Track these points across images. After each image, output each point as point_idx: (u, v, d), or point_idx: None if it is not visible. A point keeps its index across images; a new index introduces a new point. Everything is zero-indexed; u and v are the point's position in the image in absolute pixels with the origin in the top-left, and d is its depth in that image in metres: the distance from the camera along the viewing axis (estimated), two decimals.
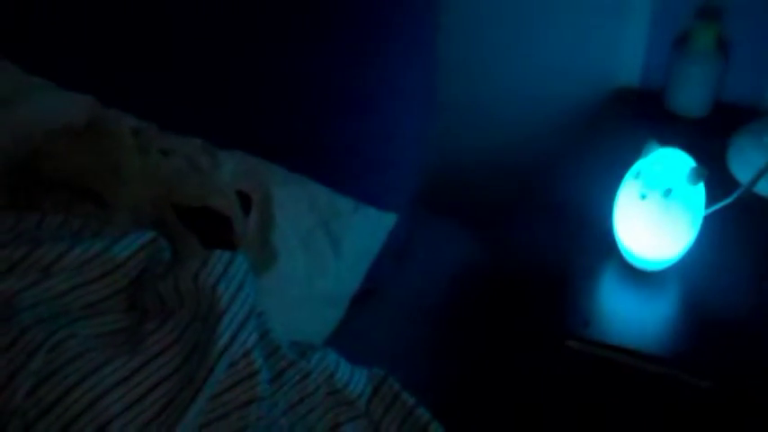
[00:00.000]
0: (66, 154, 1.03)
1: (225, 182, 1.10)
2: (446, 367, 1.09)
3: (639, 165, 0.93)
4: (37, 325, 0.83)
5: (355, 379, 0.98)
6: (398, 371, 1.00)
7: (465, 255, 1.18)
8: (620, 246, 0.97)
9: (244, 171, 1.14)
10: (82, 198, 1.01)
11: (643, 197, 0.91)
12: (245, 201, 1.11)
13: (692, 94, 1.16)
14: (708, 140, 1.12)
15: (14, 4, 1.26)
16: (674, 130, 1.14)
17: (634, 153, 0.94)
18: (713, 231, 0.99)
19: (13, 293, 0.87)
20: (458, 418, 0.98)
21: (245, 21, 1.18)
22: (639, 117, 1.18)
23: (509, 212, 1.15)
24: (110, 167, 1.03)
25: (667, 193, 0.90)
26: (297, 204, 1.14)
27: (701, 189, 0.92)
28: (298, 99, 1.19)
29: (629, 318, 0.94)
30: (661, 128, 1.11)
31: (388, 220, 1.17)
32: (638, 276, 0.97)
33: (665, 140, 0.94)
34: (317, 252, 1.12)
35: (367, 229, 1.16)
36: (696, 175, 0.90)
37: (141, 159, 1.06)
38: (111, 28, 1.24)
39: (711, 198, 0.96)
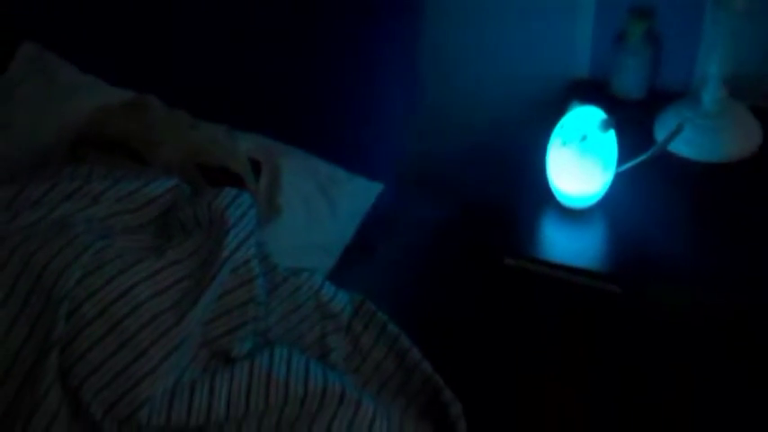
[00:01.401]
0: (114, 121, 1.29)
1: (240, 151, 1.35)
2: (420, 299, 1.30)
3: (564, 120, 1.15)
4: (87, 233, 1.08)
5: (338, 297, 1.20)
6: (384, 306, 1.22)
7: (440, 214, 1.41)
8: (552, 187, 1.19)
9: (256, 146, 1.40)
10: (125, 158, 1.27)
11: (564, 144, 1.13)
12: (256, 167, 1.36)
13: (630, 80, 1.38)
14: (643, 117, 1.35)
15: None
16: (616, 110, 1.36)
17: None
18: (636, 181, 1.21)
19: (71, 213, 1.12)
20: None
21: (245, 27, 1.44)
22: (589, 101, 1.40)
23: (479, 177, 1.38)
24: (149, 133, 1.29)
25: (583, 138, 1.12)
26: (300, 172, 1.38)
27: (611, 136, 1.14)
28: (299, 92, 1.45)
29: (557, 242, 1.16)
30: (606, 109, 1.34)
31: (375, 188, 1.41)
32: (566, 212, 1.19)
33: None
34: (316, 210, 1.37)
35: (358, 195, 1.40)
36: (605, 125, 1.13)
37: (173, 129, 1.31)
38: (138, 44, 1.51)
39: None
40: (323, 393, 1.06)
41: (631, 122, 1.30)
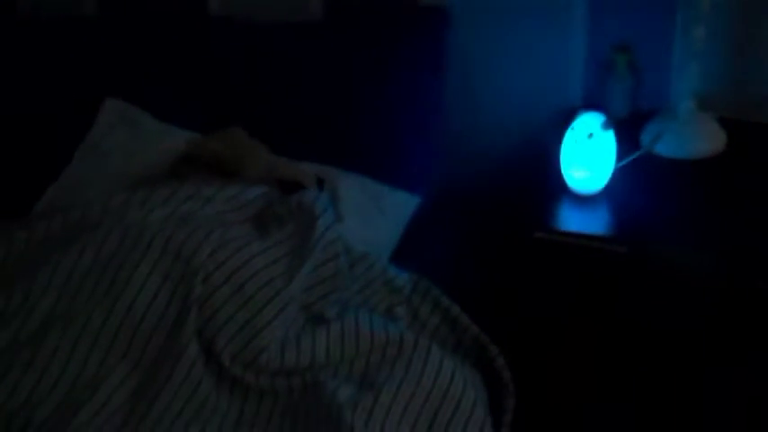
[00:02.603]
0: (208, 146, 1.59)
1: (307, 170, 1.66)
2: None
3: (574, 123, 1.48)
4: (208, 223, 1.37)
5: (401, 275, 1.48)
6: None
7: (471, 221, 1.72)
8: (567, 178, 1.51)
9: (320, 168, 1.70)
10: (218, 174, 1.58)
11: (575, 141, 1.46)
12: (319, 183, 1.66)
13: (616, 102, 1.72)
14: (628, 130, 1.68)
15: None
16: None
17: None
18: (630, 175, 1.54)
19: (192, 211, 1.41)
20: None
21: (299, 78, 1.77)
22: None
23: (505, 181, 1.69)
24: (236, 155, 1.59)
25: (590, 136, 1.45)
26: (353, 188, 1.68)
27: (611, 134, 1.47)
28: (349, 129, 1.76)
29: (574, 219, 1.49)
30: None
31: (414, 201, 1.71)
32: (578, 197, 1.51)
33: None
34: (369, 218, 1.66)
35: (401, 206, 1.70)
36: (606, 125, 1.46)
37: (254, 152, 1.62)
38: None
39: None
40: (401, 341, 1.33)
41: (621, 135, 1.63)
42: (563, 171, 1.51)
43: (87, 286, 1.31)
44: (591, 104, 1.55)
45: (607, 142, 1.47)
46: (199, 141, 1.62)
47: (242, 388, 1.29)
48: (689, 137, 1.60)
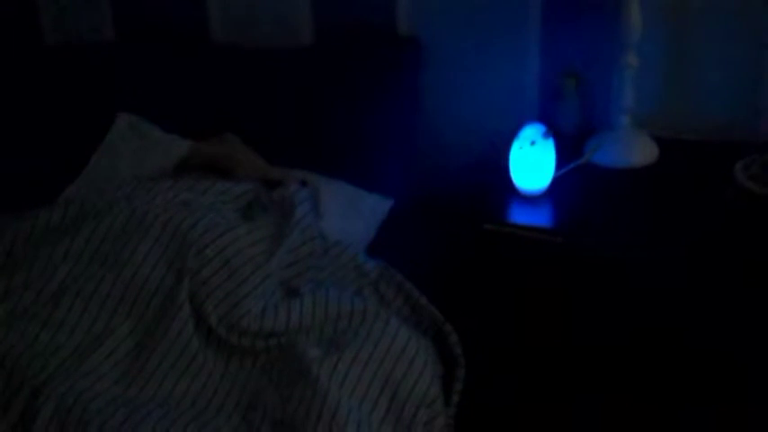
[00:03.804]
0: (205, 150, 1.84)
1: (293, 174, 1.90)
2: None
3: (522, 132, 1.72)
4: (202, 209, 1.61)
5: (369, 262, 1.70)
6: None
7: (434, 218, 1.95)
8: (514, 179, 1.75)
9: (304, 173, 1.94)
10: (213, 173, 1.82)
11: (520, 147, 1.70)
12: (303, 185, 1.90)
13: (566, 120, 1.96)
14: (575, 144, 1.92)
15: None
16: (558, 141, 1.93)
17: None
18: (572, 180, 1.77)
19: (190, 199, 1.65)
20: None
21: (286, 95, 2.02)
22: None
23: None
24: (229, 157, 1.83)
25: (532, 143, 1.69)
26: (333, 190, 1.89)
27: (550, 142, 1.71)
28: (328, 138, 2.01)
29: (519, 214, 1.72)
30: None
31: (387, 203, 1.94)
32: (524, 197, 1.75)
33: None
34: (347, 216, 1.88)
35: (376, 207, 1.93)
36: (546, 134, 1.70)
37: (246, 156, 1.86)
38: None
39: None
40: (364, 311, 1.55)
41: (568, 148, 1.87)
42: (511, 174, 1.74)
43: (98, 257, 1.54)
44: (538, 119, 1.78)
45: (547, 149, 1.70)
46: (198, 146, 1.86)
47: (226, 347, 1.50)
48: (623, 149, 1.83)
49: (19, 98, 2.14)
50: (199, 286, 1.52)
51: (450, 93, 2.05)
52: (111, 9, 2.20)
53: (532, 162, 1.70)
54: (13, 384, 1.39)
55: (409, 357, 1.49)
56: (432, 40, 2.02)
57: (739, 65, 1.88)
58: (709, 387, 1.61)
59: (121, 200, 1.63)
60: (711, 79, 1.90)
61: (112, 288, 1.51)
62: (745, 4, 1.83)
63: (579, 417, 1.66)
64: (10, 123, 2.10)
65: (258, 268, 1.55)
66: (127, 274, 1.52)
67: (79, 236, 1.56)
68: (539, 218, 1.71)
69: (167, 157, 1.88)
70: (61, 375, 1.41)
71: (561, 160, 1.77)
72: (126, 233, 1.56)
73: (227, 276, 1.53)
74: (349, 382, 1.44)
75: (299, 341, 1.49)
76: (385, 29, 2.04)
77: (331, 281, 1.64)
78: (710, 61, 1.89)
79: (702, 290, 1.58)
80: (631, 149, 1.84)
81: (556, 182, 1.76)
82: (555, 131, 1.85)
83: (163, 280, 1.52)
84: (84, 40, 2.27)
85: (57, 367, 1.43)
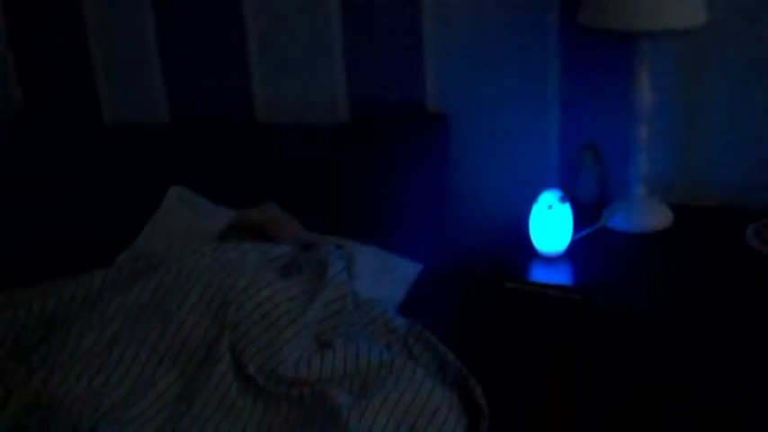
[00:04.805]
0: (249, 217, 1.99)
1: (330, 239, 2.04)
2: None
3: (541, 198, 1.85)
4: (244, 268, 1.75)
5: (398, 318, 1.82)
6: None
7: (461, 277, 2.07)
8: (533, 240, 1.86)
9: (339, 239, 2.08)
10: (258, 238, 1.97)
11: (539, 212, 1.82)
12: (338, 248, 2.03)
13: (586, 189, 2.08)
14: (595, 210, 2.03)
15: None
16: (578, 210, 2.04)
17: None
18: (590, 243, 1.88)
19: (233, 258, 1.79)
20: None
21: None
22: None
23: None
24: (272, 224, 1.98)
25: (549, 207, 1.81)
26: (366, 254, 2.03)
27: (567, 207, 1.83)
28: (362, 210, 2.15)
29: (538, 273, 1.82)
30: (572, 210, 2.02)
31: (417, 267, 2.07)
32: (543, 258, 1.86)
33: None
34: (379, 278, 2.01)
35: (407, 270, 2.06)
36: (563, 199, 1.82)
37: (286, 222, 2.01)
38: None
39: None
40: (392, 363, 1.66)
41: (588, 214, 1.98)
42: (531, 236, 1.86)
43: (148, 310, 1.68)
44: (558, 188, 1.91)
45: (564, 212, 1.83)
46: (241, 213, 2.02)
47: (263, 394, 1.61)
48: (638, 215, 1.94)
49: (80, 173, 2.32)
50: (239, 338, 1.64)
51: (475, 165, 2.19)
52: (165, 91, 2.39)
53: (551, 225, 1.82)
54: (69, 424, 1.52)
55: (434, 407, 1.59)
56: (459, 115, 2.17)
57: (747, 135, 1.99)
58: None
59: (171, 259, 1.78)
60: (722, 149, 2.01)
61: (160, 339, 1.64)
62: (753, 75, 1.95)
63: None
64: (71, 196, 2.28)
65: (294, 321, 1.67)
66: (173, 327, 1.65)
67: (132, 291, 1.70)
68: (557, 277, 1.82)
69: (214, 224, 2.03)
70: (111, 418, 1.53)
71: (580, 225, 1.89)
72: (174, 289, 1.70)
73: (265, 329, 1.65)
74: (376, 427, 1.53)
75: (331, 390, 1.60)
76: (415, 106, 2.20)
77: (362, 335, 1.75)
78: (721, 133, 2.01)
79: (710, 347, 1.67)
80: (646, 215, 1.95)
81: (575, 245, 1.87)
82: (575, 200, 1.97)
83: (206, 332, 1.65)
84: (141, 122, 2.47)
85: (108, 410, 1.55)
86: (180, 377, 1.62)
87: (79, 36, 2.39)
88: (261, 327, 1.65)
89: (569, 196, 1.87)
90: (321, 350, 1.66)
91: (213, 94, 2.36)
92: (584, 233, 1.89)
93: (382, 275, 1.99)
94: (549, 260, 1.87)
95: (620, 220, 1.94)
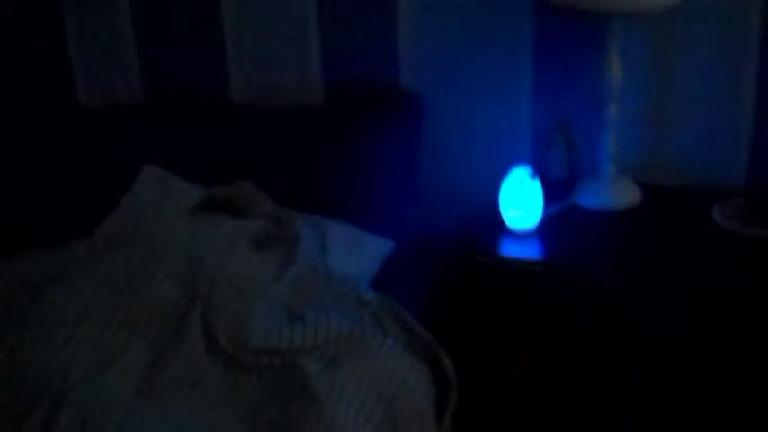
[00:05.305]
0: (222, 193, 2.00)
1: (303, 216, 2.05)
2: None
3: (509, 175, 1.87)
4: (215, 241, 1.76)
5: (369, 292, 1.84)
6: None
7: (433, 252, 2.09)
8: (505, 218, 1.89)
9: (310, 216, 2.09)
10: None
11: (509, 188, 1.84)
12: None
13: (557, 167, 2.11)
14: (565, 189, 2.06)
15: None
16: (549, 187, 2.06)
17: None
18: (559, 220, 1.91)
19: (204, 233, 1.80)
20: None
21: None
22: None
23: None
24: (244, 200, 1.99)
25: (520, 183, 1.84)
26: (339, 231, 2.04)
27: (537, 183, 1.85)
28: (336, 187, 2.16)
29: (508, 248, 1.85)
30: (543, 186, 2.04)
31: (389, 243, 2.08)
32: (514, 234, 1.89)
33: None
34: (350, 253, 2.02)
35: (378, 246, 2.07)
36: (533, 175, 1.84)
37: (258, 198, 2.02)
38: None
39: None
40: (362, 333, 1.68)
41: (558, 192, 2.01)
42: (502, 212, 1.88)
43: (119, 282, 1.69)
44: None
45: (534, 188, 1.85)
46: (214, 189, 2.03)
47: (234, 364, 1.62)
48: (607, 193, 1.97)
49: (56, 154, 2.32)
50: (210, 309, 1.65)
51: (448, 144, 2.21)
52: (139, 72, 2.39)
53: (521, 202, 1.84)
54: (35, 393, 1.52)
55: (402, 376, 1.61)
56: (432, 94, 2.19)
57: (716, 116, 2.02)
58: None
59: (143, 232, 1.79)
60: (690, 129, 2.04)
61: (131, 309, 1.65)
62: (723, 57, 1.98)
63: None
64: (47, 176, 2.27)
65: (264, 294, 1.69)
66: (144, 297, 1.66)
67: (103, 263, 1.71)
68: (525, 251, 1.84)
69: (187, 201, 2.04)
70: (81, 386, 1.54)
71: (551, 203, 1.91)
72: (146, 261, 1.71)
73: (236, 300, 1.66)
74: (346, 395, 1.55)
75: (301, 359, 1.61)
76: (389, 86, 2.22)
77: (333, 308, 1.77)
78: (689, 114, 2.04)
79: (676, 319, 1.69)
80: (615, 193, 1.97)
81: (545, 221, 1.89)
82: (546, 178, 2.00)
83: (177, 303, 1.66)
84: (116, 103, 2.46)
85: (78, 379, 1.56)
86: (150, 347, 1.63)
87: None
88: (232, 298, 1.66)
89: (540, 174, 1.89)
90: (291, 321, 1.67)
91: (188, 75, 2.37)
92: (554, 210, 1.91)
93: (354, 251, 2.00)
94: (519, 236, 1.89)
95: (590, 197, 1.96)
